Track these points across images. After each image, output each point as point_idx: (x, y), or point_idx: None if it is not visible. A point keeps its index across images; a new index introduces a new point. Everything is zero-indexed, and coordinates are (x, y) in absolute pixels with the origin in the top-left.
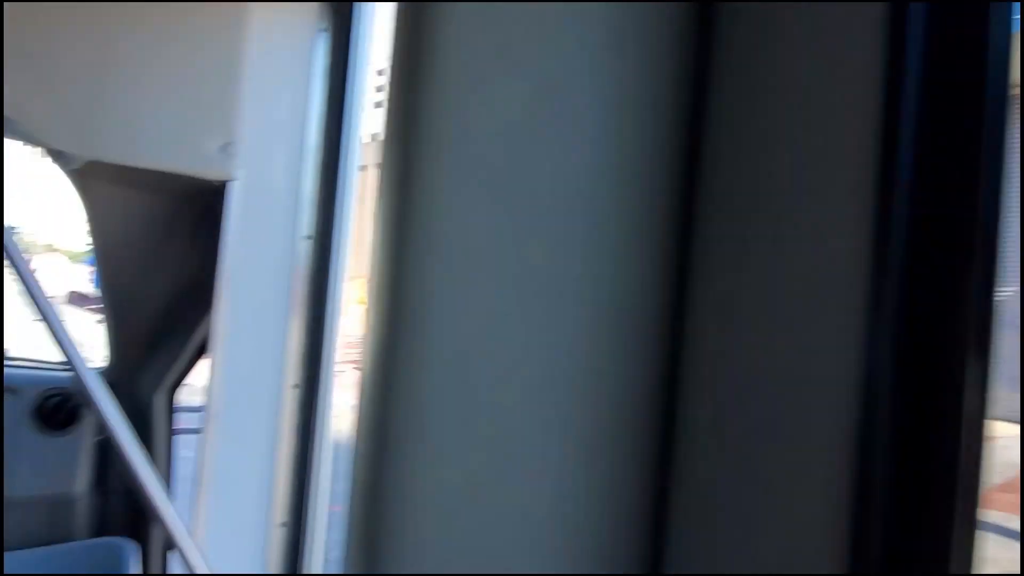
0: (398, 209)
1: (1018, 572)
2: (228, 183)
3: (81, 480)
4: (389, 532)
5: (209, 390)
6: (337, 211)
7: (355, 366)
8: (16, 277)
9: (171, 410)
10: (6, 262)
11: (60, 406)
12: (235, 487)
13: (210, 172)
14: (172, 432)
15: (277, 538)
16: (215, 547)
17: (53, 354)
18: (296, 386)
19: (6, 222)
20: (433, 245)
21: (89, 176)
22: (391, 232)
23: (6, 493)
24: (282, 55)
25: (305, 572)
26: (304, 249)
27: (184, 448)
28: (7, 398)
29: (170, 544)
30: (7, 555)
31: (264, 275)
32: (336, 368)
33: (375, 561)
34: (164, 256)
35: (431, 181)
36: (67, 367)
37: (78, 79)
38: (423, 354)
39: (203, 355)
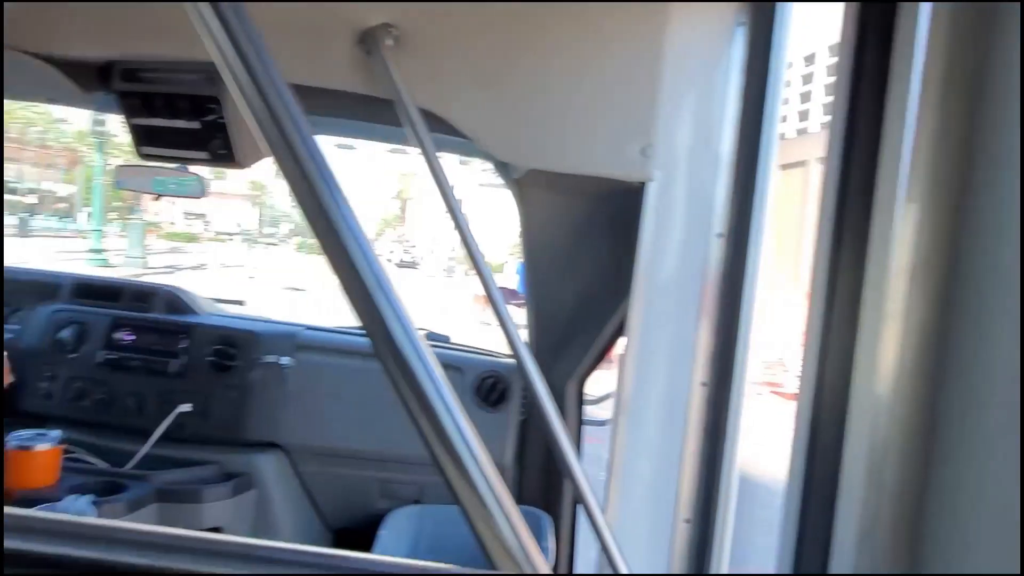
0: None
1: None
2: (645, 184)
3: (508, 453)
4: (934, 533)
5: (619, 382)
6: (752, 209)
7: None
8: (481, 280)
9: (580, 399)
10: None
11: (494, 386)
12: (642, 480)
13: (630, 174)
14: (581, 420)
15: (682, 534)
16: (620, 537)
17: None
18: (704, 384)
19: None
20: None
21: (527, 184)
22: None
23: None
24: (700, 53)
25: (712, 572)
26: (716, 247)
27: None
28: (454, 376)
29: (591, 522)
30: (448, 508)
31: (676, 272)
32: (749, 368)
33: (917, 561)
34: (581, 254)
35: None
36: (499, 355)
37: (521, 95)
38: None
39: (611, 348)
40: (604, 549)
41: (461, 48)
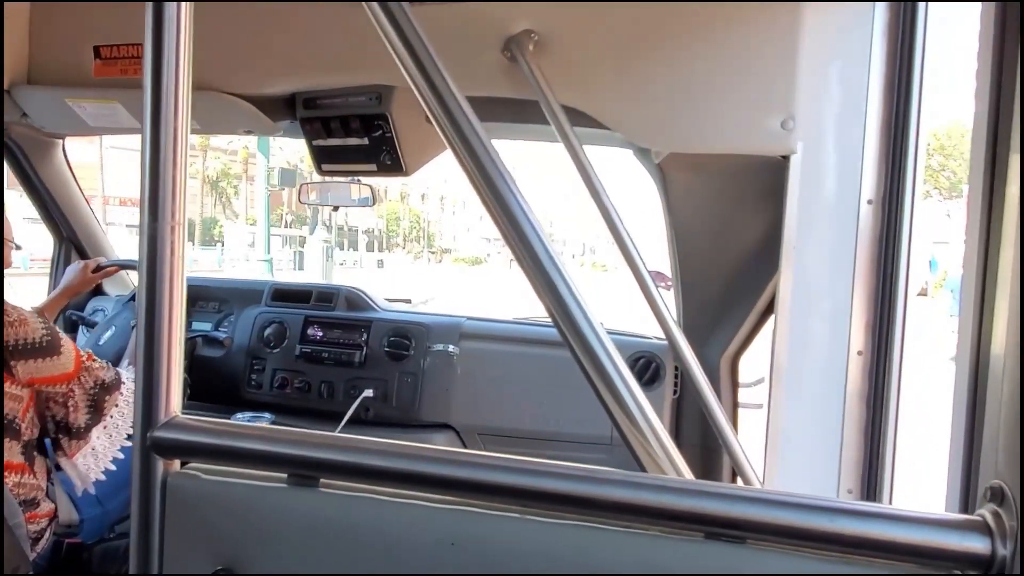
0: None
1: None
2: (789, 156)
3: None
4: None
5: (773, 356)
6: (904, 173)
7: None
8: (631, 264)
9: (735, 376)
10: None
11: (647, 366)
12: (801, 453)
13: (772, 148)
14: (737, 398)
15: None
16: None
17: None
18: (860, 353)
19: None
20: None
21: (668, 168)
22: None
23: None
24: (840, 20)
25: None
26: (867, 214)
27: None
28: None
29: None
30: None
31: (826, 242)
32: (906, 334)
33: None
34: (727, 232)
35: None
36: (648, 337)
37: (659, 82)
38: None
39: (762, 324)
40: None
41: (598, 45)
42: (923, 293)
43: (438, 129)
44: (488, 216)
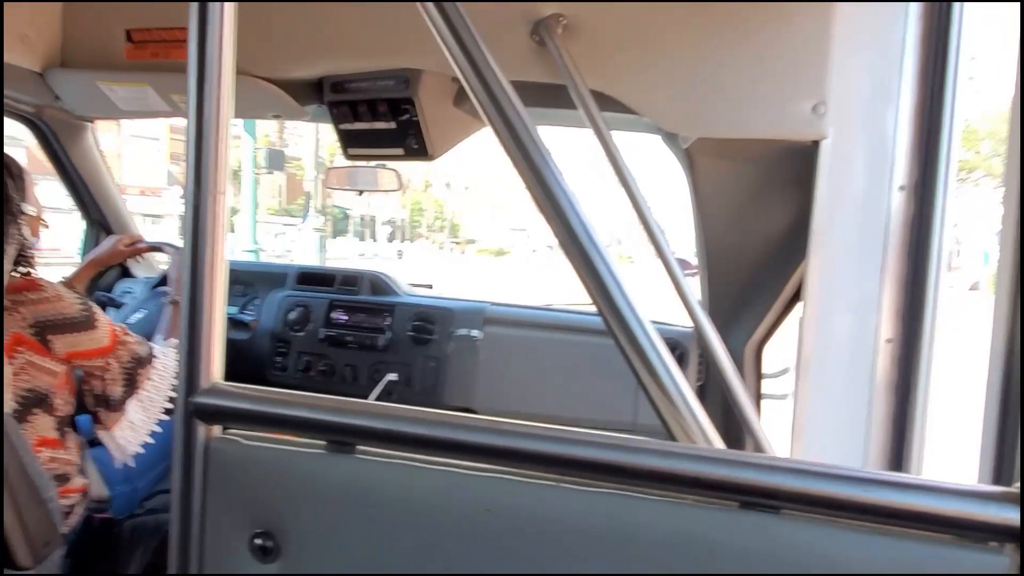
0: None
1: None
2: (819, 142)
3: None
4: None
5: (799, 343)
6: (938, 159)
7: None
8: (659, 252)
9: (759, 364)
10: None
11: (671, 352)
12: (827, 441)
13: (802, 134)
14: (760, 386)
15: None
16: None
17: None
18: (890, 340)
19: None
20: None
21: (696, 153)
22: None
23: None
24: (874, 2)
25: None
26: (899, 200)
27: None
28: None
29: None
30: None
31: (856, 228)
32: (937, 321)
33: None
34: (754, 218)
35: None
36: (672, 324)
37: (688, 66)
38: None
39: (788, 312)
40: None
41: (627, 29)
42: (975, 288)
43: (482, 115)
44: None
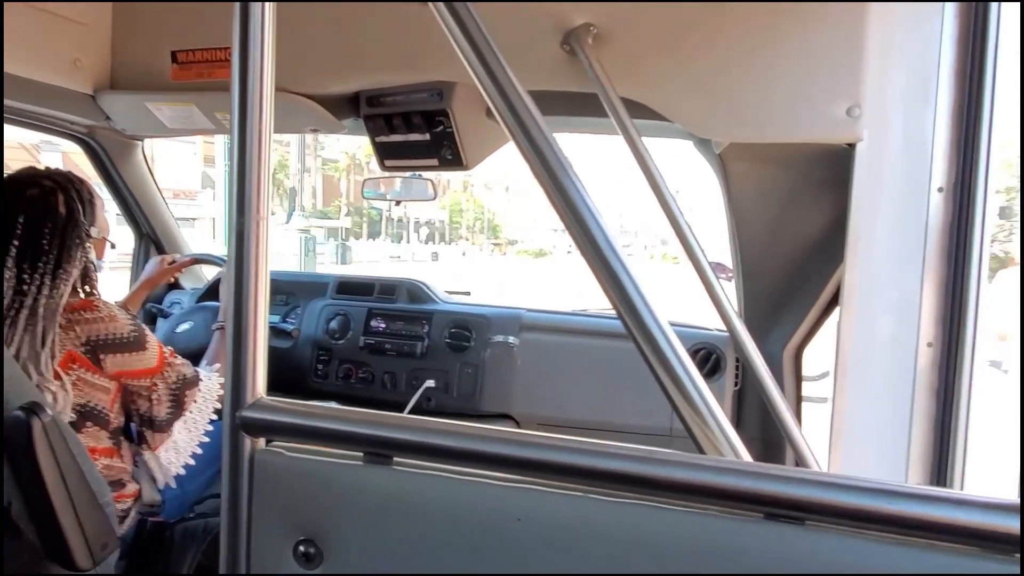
0: None
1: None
2: (854, 144)
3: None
4: None
5: (839, 347)
6: (977, 160)
7: None
8: (691, 256)
9: (799, 368)
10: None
11: (707, 358)
12: (867, 446)
13: (837, 136)
14: (800, 390)
15: None
16: None
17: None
18: (931, 344)
19: None
20: None
21: (729, 158)
22: None
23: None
24: (909, 3)
25: None
26: (937, 202)
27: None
28: None
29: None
30: None
31: (894, 231)
32: (979, 325)
33: None
34: (789, 222)
35: None
36: (708, 328)
37: (720, 71)
38: None
39: (827, 316)
40: None
41: (658, 36)
42: None
43: (502, 124)
44: (552, 208)
